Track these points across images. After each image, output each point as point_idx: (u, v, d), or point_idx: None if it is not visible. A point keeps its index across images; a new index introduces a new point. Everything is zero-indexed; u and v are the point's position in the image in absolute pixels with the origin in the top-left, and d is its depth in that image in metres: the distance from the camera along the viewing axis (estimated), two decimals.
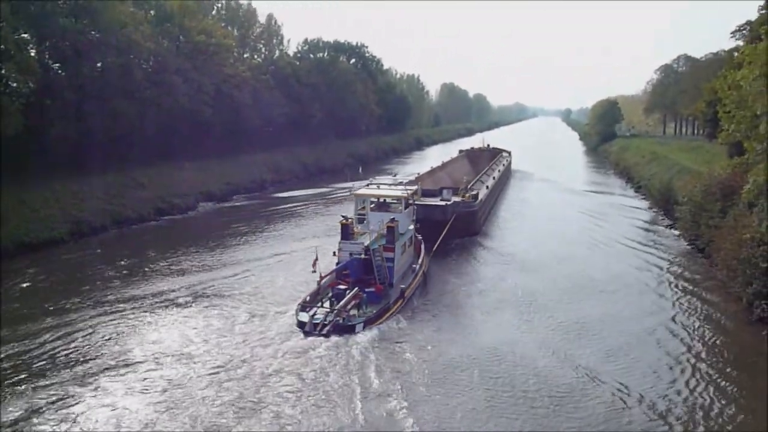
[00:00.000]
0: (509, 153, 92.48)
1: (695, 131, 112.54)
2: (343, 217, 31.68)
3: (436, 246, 36.30)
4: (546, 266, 36.81)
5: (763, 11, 50.59)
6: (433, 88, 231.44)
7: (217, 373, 21.00)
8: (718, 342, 25.48)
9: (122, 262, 35.53)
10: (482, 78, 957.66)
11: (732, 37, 72.09)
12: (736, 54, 50.98)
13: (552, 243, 42.81)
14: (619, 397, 20.22)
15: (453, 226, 39.40)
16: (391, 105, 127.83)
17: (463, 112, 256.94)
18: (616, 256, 39.81)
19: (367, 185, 36.15)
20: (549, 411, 19.29)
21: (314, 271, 28.32)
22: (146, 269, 34.25)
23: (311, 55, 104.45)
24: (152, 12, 61.59)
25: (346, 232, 30.20)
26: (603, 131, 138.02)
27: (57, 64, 49.68)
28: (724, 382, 21.74)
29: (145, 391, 19.85)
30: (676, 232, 44.07)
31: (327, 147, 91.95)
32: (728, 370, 22.91)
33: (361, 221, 32.42)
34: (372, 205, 33.01)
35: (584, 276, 35.02)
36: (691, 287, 32.84)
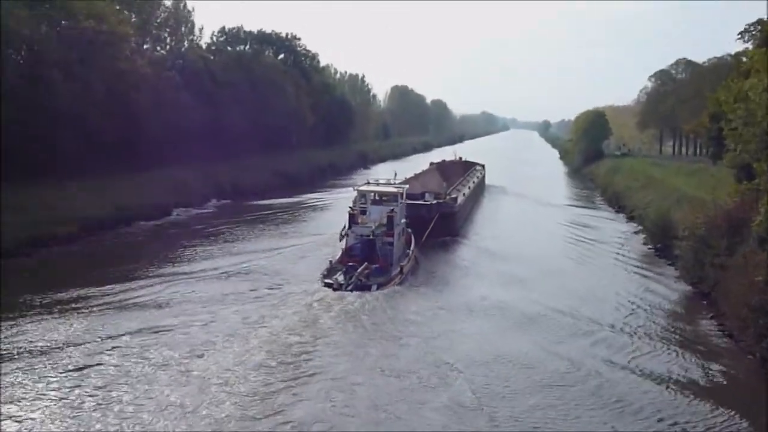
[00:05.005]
0: (483, 166, 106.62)
1: (697, 151, 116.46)
2: (350, 207, 45.29)
3: (423, 238, 51.28)
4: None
5: None
6: (381, 91, 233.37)
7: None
8: (726, 409, 25.59)
9: None
10: (443, 81, 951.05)
11: (739, 38, 75.32)
12: (743, 59, 53.44)
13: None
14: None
15: (436, 225, 53.65)
16: (329, 111, 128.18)
17: (419, 122, 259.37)
18: (607, 303, 40.54)
19: (367, 183, 51.83)
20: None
21: (342, 238, 43.64)
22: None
23: (229, 48, 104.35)
24: None
25: (354, 220, 43.31)
26: (588, 149, 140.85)
27: None
28: None
29: None
30: (676, 273, 45.42)
31: (248, 163, 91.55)
32: None
33: (363, 212, 44.59)
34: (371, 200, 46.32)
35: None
36: (693, 339, 33.62)
